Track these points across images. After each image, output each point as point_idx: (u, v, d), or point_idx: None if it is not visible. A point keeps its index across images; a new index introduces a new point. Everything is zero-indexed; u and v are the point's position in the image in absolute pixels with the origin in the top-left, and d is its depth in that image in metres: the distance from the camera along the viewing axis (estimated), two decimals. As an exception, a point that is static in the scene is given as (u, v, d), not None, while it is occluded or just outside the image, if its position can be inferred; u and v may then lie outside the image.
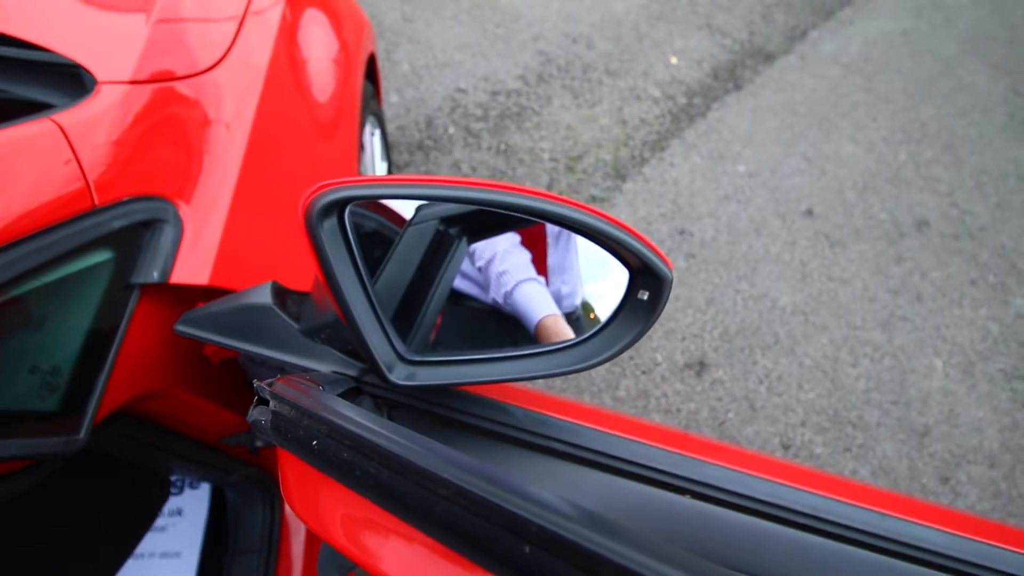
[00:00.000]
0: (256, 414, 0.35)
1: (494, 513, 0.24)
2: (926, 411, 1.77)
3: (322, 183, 0.37)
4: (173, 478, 0.99)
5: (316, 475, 0.31)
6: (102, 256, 0.49)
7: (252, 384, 0.75)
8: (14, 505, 0.51)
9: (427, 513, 0.25)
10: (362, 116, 1.28)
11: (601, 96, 2.41)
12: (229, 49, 0.79)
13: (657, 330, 1.79)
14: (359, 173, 1.21)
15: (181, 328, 0.50)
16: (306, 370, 0.48)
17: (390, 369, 0.42)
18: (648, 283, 0.43)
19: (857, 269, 2.02)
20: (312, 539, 0.99)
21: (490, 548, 0.25)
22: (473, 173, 2.11)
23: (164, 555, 1.09)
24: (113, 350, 0.49)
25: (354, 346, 0.47)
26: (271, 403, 0.35)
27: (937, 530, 0.42)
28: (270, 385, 0.37)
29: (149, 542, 1.10)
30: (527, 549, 0.24)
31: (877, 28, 3.05)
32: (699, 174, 2.21)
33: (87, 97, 0.55)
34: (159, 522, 1.11)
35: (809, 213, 2.16)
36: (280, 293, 0.50)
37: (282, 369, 0.53)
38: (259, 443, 0.80)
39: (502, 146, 2.18)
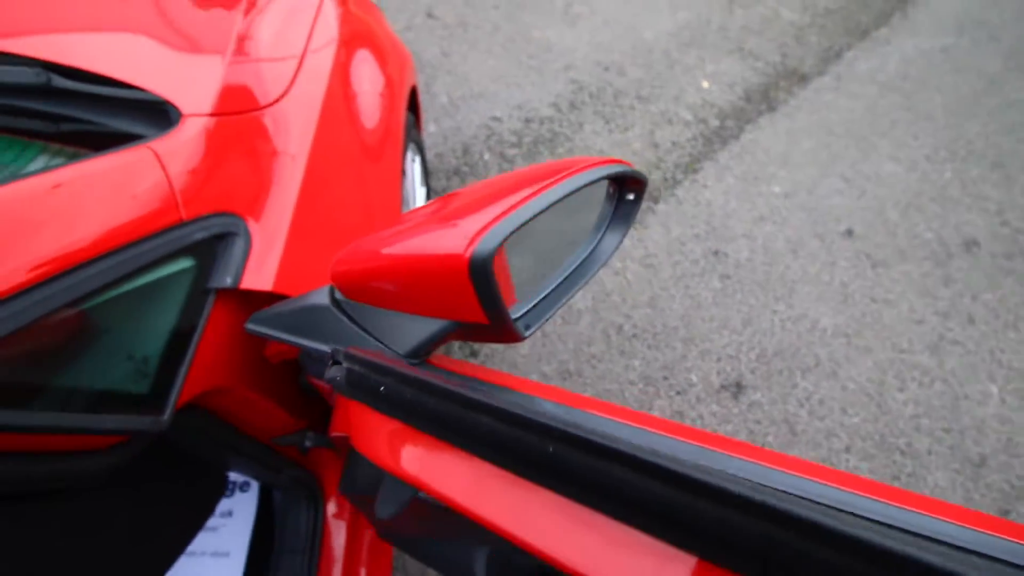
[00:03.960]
0: (333, 372, 0.39)
1: (526, 424, 0.29)
2: (982, 439, 1.69)
3: (473, 235, 0.42)
4: (228, 476, 1.04)
5: (381, 418, 0.35)
6: (186, 264, 0.55)
7: (307, 382, 0.80)
8: (104, 480, 0.57)
9: (475, 434, 0.30)
10: (404, 144, 1.36)
11: (632, 121, 2.46)
12: (291, 84, 0.88)
13: (692, 350, 1.78)
14: (402, 196, 1.28)
15: (251, 326, 0.56)
16: None
17: (527, 327, 0.51)
18: (632, 187, 0.58)
19: (902, 290, 1.97)
20: (352, 536, 1.03)
21: (524, 453, 0.31)
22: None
23: (215, 554, 1.14)
24: (192, 345, 0.55)
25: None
26: (344, 363, 0.39)
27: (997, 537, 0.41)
28: (343, 352, 0.41)
29: (201, 541, 1.16)
30: (551, 448, 0.30)
31: (915, 46, 3.02)
32: (733, 195, 2.22)
33: (174, 128, 0.63)
34: (211, 522, 1.17)
35: (849, 233, 2.13)
36: (335, 295, 0.56)
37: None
38: (308, 443, 0.85)
39: (536, 171, 2.24)
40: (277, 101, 0.83)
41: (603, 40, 2.85)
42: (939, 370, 1.80)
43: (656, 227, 2.09)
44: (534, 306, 0.55)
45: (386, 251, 0.47)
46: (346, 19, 1.21)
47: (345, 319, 0.54)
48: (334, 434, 0.61)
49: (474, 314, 0.50)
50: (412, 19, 2.93)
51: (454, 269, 0.43)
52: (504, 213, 0.44)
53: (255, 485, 1.20)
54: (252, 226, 0.64)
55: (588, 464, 0.29)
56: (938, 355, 1.82)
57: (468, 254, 0.43)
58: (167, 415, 0.53)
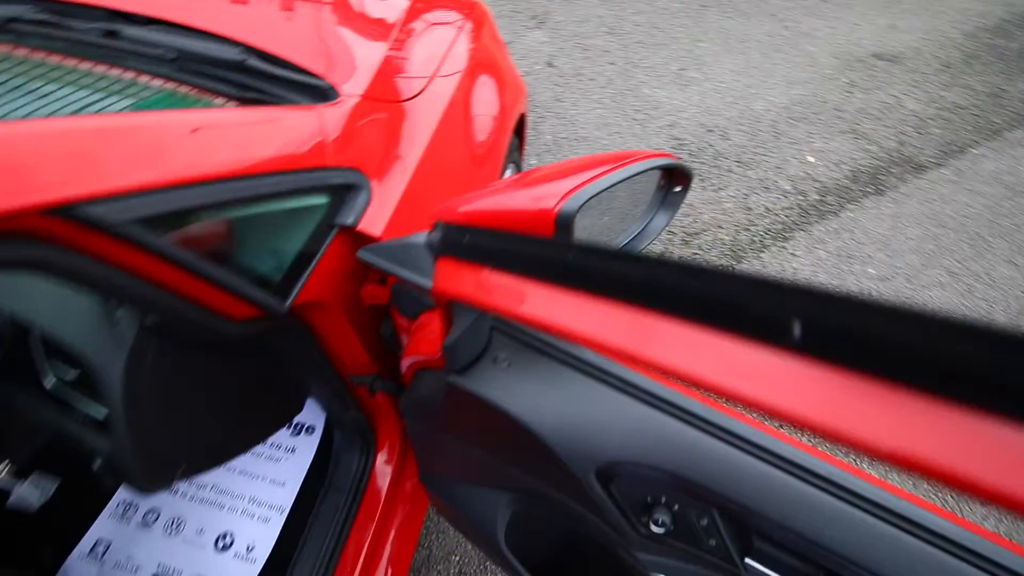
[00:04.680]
0: (429, 237, 0.47)
1: (575, 250, 0.33)
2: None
3: (561, 195, 0.54)
4: (307, 399, 1.16)
5: (465, 264, 0.41)
6: (322, 200, 0.70)
7: (386, 332, 0.92)
8: (235, 344, 0.72)
9: (547, 265, 0.34)
10: (505, 161, 1.51)
11: (728, 182, 2.49)
12: (423, 89, 1.05)
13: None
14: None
15: (363, 254, 0.69)
16: None
17: None
18: (679, 180, 0.67)
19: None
20: (393, 489, 1.12)
21: (573, 272, 0.33)
22: (592, 233, 2.26)
23: (273, 481, 1.27)
24: (314, 261, 0.70)
25: None
26: (438, 230, 0.47)
27: None
28: (439, 224, 0.49)
29: (263, 468, 1.30)
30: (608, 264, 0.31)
31: (1054, 153, 2.83)
32: (823, 269, 2.17)
33: (333, 102, 0.79)
34: (275, 454, 1.31)
35: (946, 328, 2.00)
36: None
37: (422, 301, 0.69)
38: (378, 386, 0.96)
39: (624, 214, 2.33)
40: (411, 99, 1.00)
41: (711, 105, 2.94)
42: None
43: (735, 285, 2.08)
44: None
45: (483, 203, 0.57)
46: (476, 48, 1.39)
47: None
48: (406, 358, 0.71)
49: None
50: (533, 66, 3.18)
51: (543, 221, 0.53)
52: (585, 183, 0.54)
53: (318, 431, 1.34)
54: (374, 185, 0.79)
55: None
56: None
57: (557, 209, 0.53)
58: (288, 303, 0.67)
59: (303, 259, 0.70)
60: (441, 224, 0.44)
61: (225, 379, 0.80)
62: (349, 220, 0.73)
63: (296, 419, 1.37)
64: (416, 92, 1.01)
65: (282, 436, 1.35)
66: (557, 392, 0.54)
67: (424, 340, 0.65)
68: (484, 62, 1.42)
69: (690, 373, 0.26)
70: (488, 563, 1.44)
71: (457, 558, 1.44)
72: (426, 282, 0.66)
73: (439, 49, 1.22)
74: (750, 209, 2.38)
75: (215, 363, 0.76)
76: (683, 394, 0.52)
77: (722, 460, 0.48)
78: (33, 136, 0.42)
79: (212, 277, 0.57)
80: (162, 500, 1.30)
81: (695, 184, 2.48)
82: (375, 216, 0.76)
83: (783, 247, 2.23)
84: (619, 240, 0.72)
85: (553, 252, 0.34)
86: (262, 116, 0.66)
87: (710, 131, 2.76)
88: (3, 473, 0.80)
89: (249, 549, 1.21)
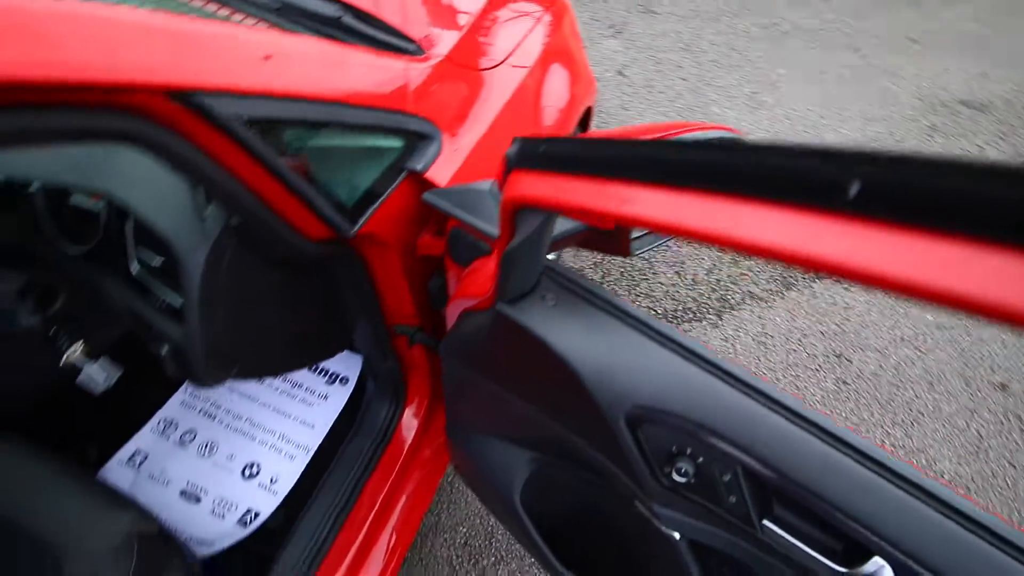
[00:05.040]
0: (509, 151, 0.48)
1: (645, 145, 0.35)
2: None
3: None
4: (351, 340, 1.21)
5: (541, 172, 0.43)
6: (398, 143, 0.75)
7: (433, 287, 0.96)
8: (307, 264, 0.77)
9: (622, 162, 0.36)
10: (568, 149, 1.54)
11: (788, 209, 2.44)
12: (500, 64, 1.09)
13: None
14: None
15: (428, 196, 0.73)
16: None
17: (637, 248, 0.61)
18: None
19: (1055, 468, 1.70)
20: (416, 443, 1.15)
21: (647, 165, 0.34)
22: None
23: (303, 423, 1.33)
24: (383, 197, 0.75)
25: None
26: (516, 144, 0.48)
27: None
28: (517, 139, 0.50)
29: (296, 409, 1.36)
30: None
31: None
32: (876, 308, 2.09)
33: (419, 58, 0.84)
34: (308, 398, 1.37)
35: (1003, 387, 1.89)
36: (494, 188, 0.70)
37: (477, 248, 0.72)
38: (418, 338, 1.00)
39: (675, 225, 2.31)
40: (487, 70, 1.04)
41: (780, 130, 2.88)
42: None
43: (781, 311, 2.03)
44: (646, 234, 0.65)
45: None
46: (553, 37, 1.43)
47: (497, 205, 0.68)
48: (454, 302, 0.74)
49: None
50: (604, 73, 3.20)
51: None
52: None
53: (351, 383, 1.39)
54: (445, 139, 0.83)
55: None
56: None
57: None
58: (355, 229, 0.72)
59: (373, 193, 0.76)
60: (519, 138, 0.47)
61: (287, 297, 0.85)
62: (418, 166, 0.78)
63: (332, 369, 1.43)
64: (493, 66, 1.05)
65: (317, 382, 1.41)
66: (597, 336, 0.55)
67: (475, 283, 0.68)
68: (559, 52, 1.45)
69: (773, 246, 0.27)
70: (492, 538, 1.45)
71: (464, 529, 1.46)
72: (486, 226, 0.69)
73: (518, 31, 1.26)
74: (807, 238, 2.32)
75: (281, 280, 0.81)
76: (719, 355, 0.53)
77: (753, 420, 0.49)
78: (164, 27, 0.47)
79: (298, 190, 0.62)
80: (199, 423, 1.38)
81: (753, 206, 2.44)
82: (442, 168, 0.80)
83: (837, 280, 2.16)
84: None
85: (625, 150, 0.35)
86: (359, 54, 0.71)
87: (775, 156, 2.71)
88: (78, 352, 0.87)
89: (272, 481, 1.26)
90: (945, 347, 1.99)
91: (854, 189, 0.24)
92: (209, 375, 0.77)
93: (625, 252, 0.66)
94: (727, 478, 0.50)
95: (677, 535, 0.56)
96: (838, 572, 0.46)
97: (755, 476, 0.49)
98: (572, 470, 0.77)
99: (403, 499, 1.21)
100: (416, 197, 0.82)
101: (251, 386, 1.40)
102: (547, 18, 1.48)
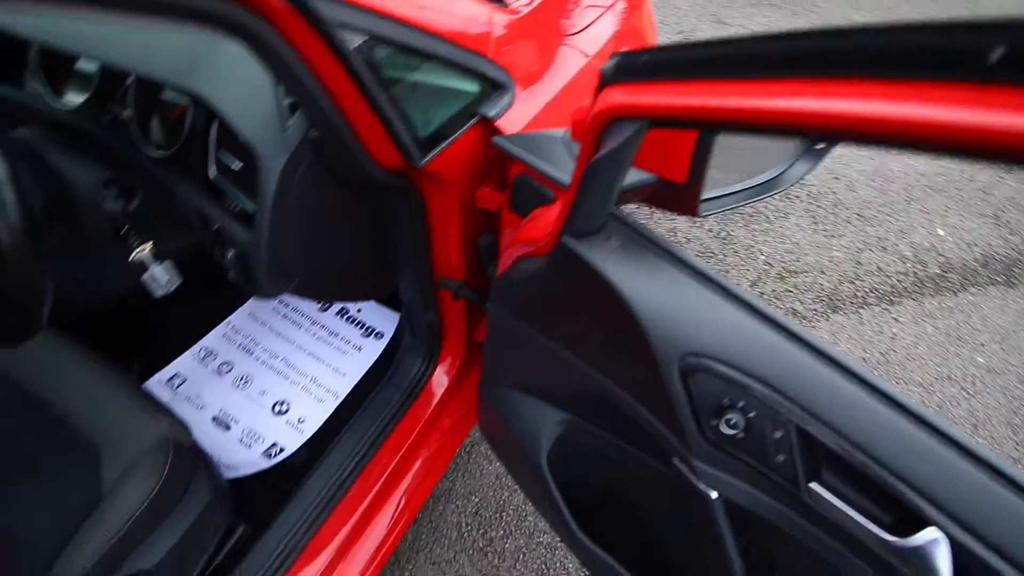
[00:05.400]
0: (602, 68, 0.48)
1: (749, 40, 0.34)
2: None
3: None
4: (396, 293, 1.23)
5: (640, 83, 0.43)
6: (474, 87, 0.76)
7: (483, 245, 0.96)
8: (378, 191, 0.79)
9: (723, 60, 0.36)
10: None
11: (843, 232, 2.36)
12: (577, 34, 1.11)
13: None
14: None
15: (498, 139, 0.73)
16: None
17: (705, 208, 0.61)
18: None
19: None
20: (444, 402, 1.16)
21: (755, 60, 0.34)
22: (687, 244, 2.22)
23: (335, 370, 1.35)
24: (452, 136, 0.77)
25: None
26: (613, 58, 0.48)
27: None
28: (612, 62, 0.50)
29: (330, 355, 1.38)
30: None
31: None
32: (925, 343, 2.00)
33: (504, 8, 0.86)
34: (343, 347, 1.40)
35: (1055, 442, 1.79)
36: (567, 136, 0.70)
37: (541, 195, 0.72)
38: (462, 293, 1.00)
39: (723, 233, 2.26)
40: (564, 36, 1.05)
41: (844, 154, 2.79)
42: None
43: (824, 333, 1.97)
44: (717, 196, 0.64)
45: None
46: (630, 23, 1.42)
47: (567, 154, 0.68)
48: (512, 247, 0.74)
49: (678, 172, 0.60)
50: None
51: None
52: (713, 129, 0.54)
53: (386, 338, 1.41)
54: (518, 91, 0.84)
55: None
56: None
57: None
58: (425, 160, 0.74)
59: (445, 132, 0.78)
60: (616, 53, 0.46)
61: (348, 224, 0.88)
62: (491, 112, 0.79)
63: (368, 323, 1.45)
64: (571, 34, 1.06)
65: (352, 333, 1.44)
66: (658, 281, 0.55)
67: (535, 229, 0.68)
68: (635, 36, 1.45)
69: (913, 118, 0.26)
70: (504, 512, 1.45)
71: (477, 499, 1.47)
72: (555, 171, 0.69)
73: (597, 10, 1.27)
74: (860, 264, 2.24)
75: (346, 205, 0.84)
76: (783, 313, 0.52)
77: (814, 379, 0.47)
78: None
79: (381, 111, 0.63)
80: (237, 357, 1.42)
81: (805, 223, 2.37)
82: (513, 119, 0.81)
83: (887, 309, 2.08)
84: (751, 182, 0.71)
85: (746, 46, 0.35)
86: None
87: (836, 178, 2.63)
88: (147, 251, 0.91)
89: (300, 421, 1.29)
90: (995, 392, 1.89)
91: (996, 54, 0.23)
92: (269, 283, 0.79)
93: (693, 211, 0.65)
94: (778, 435, 0.48)
95: (715, 494, 0.54)
96: (888, 541, 0.44)
97: (808, 436, 0.47)
98: (602, 437, 0.76)
99: (422, 457, 1.22)
100: (482, 145, 0.83)
101: (289, 328, 1.44)
102: (625, 5, 1.48)
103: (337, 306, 1.47)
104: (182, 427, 0.95)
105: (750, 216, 2.35)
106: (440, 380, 1.17)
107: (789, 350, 0.49)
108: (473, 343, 1.21)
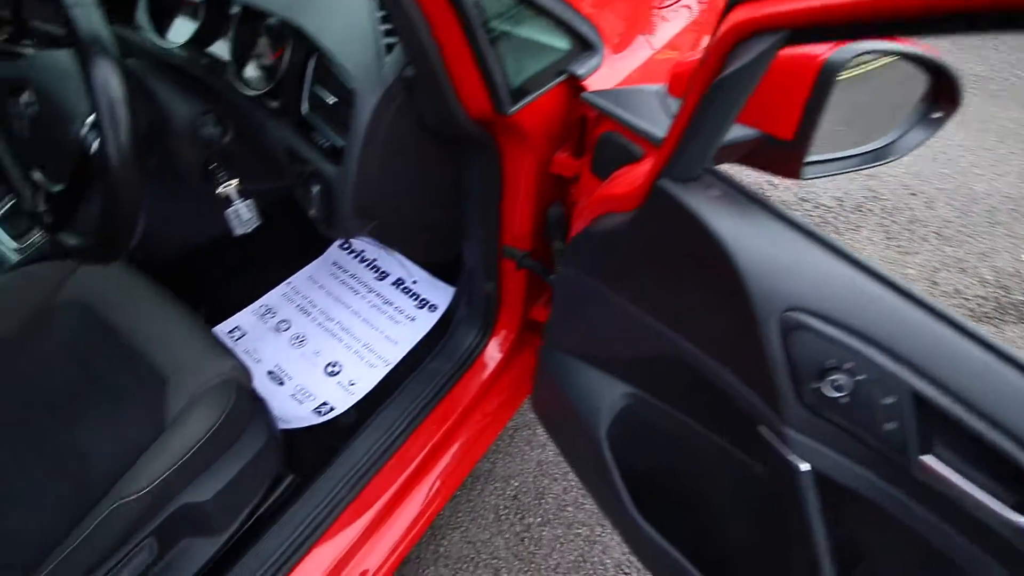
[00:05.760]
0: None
1: None
2: None
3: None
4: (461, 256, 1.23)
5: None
6: (565, 44, 0.77)
7: (552, 215, 0.95)
8: (445, 155, 0.81)
9: None
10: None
11: (919, 250, 2.22)
12: (670, 5, 1.08)
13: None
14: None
15: (588, 95, 0.72)
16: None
17: (810, 171, 0.61)
18: (945, 103, 0.62)
19: None
20: (493, 378, 1.14)
21: None
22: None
23: (388, 338, 1.36)
24: (542, 89, 0.79)
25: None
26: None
27: None
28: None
29: (383, 323, 1.40)
30: None
31: None
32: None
33: None
34: (396, 316, 1.41)
35: None
36: (663, 90, 0.68)
37: (627, 152, 0.70)
38: (527, 263, 0.98)
39: (788, 242, 2.17)
40: (661, 7, 1.03)
41: (922, 170, 2.64)
42: None
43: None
44: (822, 160, 0.60)
45: None
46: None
47: (663, 111, 0.65)
48: (591, 204, 0.72)
49: (785, 128, 0.57)
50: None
51: (805, 68, 0.51)
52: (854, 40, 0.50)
53: (439, 311, 1.40)
54: (607, 55, 0.82)
55: None
56: None
57: (825, 56, 0.50)
58: (513, 109, 0.75)
59: (533, 84, 0.78)
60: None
61: (429, 172, 0.89)
62: (580, 71, 0.79)
63: (422, 295, 1.46)
64: (666, 5, 1.04)
65: (407, 304, 1.44)
66: (759, 230, 0.51)
67: (620, 184, 0.66)
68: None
69: None
70: (543, 499, 1.42)
71: (516, 483, 1.44)
72: (648, 126, 0.67)
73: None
74: (936, 284, 2.10)
75: (429, 151, 0.84)
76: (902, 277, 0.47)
77: (935, 342, 0.43)
78: None
79: (480, 50, 0.63)
80: (295, 316, 1.44)
81: (877, 238, 2.25)
82: (600, 81, 0.80)
83: (964, 334, 1.94)
84: (862, 147, 0.67)
85: None
86: None
87: (913, 195, 2.48)
88: (233, 186, 0.94)
89: (351, 383, 1.31)
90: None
91: None
92: (350, 220, 0.80)
93: (795, 173, 0.61)
94: (889, 401, 0.44)
95: (806, 466, 0.50)
96: (1015, 522, 0.39)
97: (924, 402, 0.43)
98: (667, 412, 0.73)
99: (466, 432, 1.21)
100: (565, 105, 0.81)
101: (346, 294, 1.46)
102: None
103: (393, 276, 1.48)
104: (244, 370, 0.97)
105: (819, 225, 2.25)
106: (493, 354, 1.15)
107: (903, 308, 0.45)
108: (528, 321, 1.19)
